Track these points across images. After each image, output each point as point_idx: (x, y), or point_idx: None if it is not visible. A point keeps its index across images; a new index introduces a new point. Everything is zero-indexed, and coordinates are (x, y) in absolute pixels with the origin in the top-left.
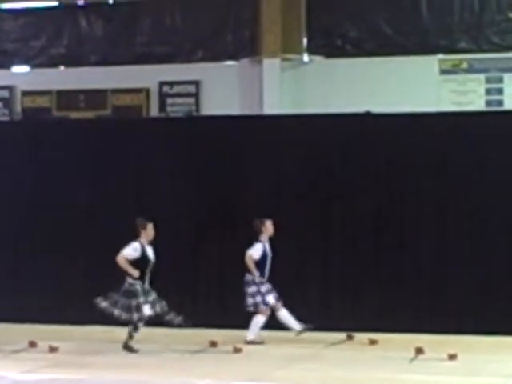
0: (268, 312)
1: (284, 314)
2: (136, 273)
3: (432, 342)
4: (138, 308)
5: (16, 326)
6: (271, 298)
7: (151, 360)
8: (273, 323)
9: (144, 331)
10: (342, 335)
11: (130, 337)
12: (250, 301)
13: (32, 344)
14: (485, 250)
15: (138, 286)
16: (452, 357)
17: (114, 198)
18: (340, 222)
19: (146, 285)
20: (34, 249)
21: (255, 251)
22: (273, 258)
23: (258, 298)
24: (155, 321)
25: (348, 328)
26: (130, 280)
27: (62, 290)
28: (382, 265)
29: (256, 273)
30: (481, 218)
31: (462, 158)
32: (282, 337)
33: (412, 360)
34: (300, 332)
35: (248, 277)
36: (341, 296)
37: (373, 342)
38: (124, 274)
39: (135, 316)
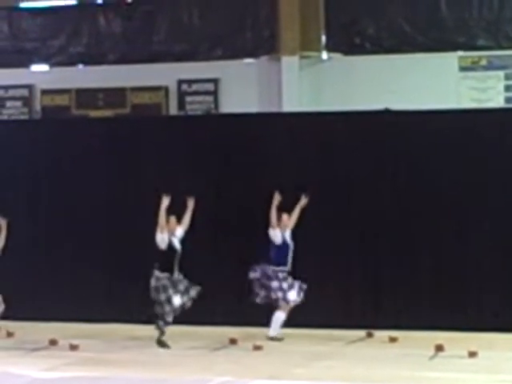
0: (288, 308)
1: (278, 315)
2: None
3: (452, 339)
4: (169, 300)
5: (37, 324)
6: (292, 295)
7: (171, 357)
8: (292, 321)
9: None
10: (362, 333)
11: (162, 332)
12: (272, 295)
13: (53, 342)
14: (505, 248)
15: (165, 280)
16: (472, 354)
17: (133, 196)
18: (359, 219)
19: (175, 275)
20: (55, 248)
21: (275, 235)
22: (294, 253)
23: (280, 294)
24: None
25: (368, 325)
26: (156, 273)
27: (83, 288)
28: (402, 262)
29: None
30: (500, 214)
31: (481, 155)
32: (301, 334)
33: (432, 357)
34: (270, 338)
35: (270, 270)
36: (361, 293)
37: (393, 340)
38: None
39: (167, 309)
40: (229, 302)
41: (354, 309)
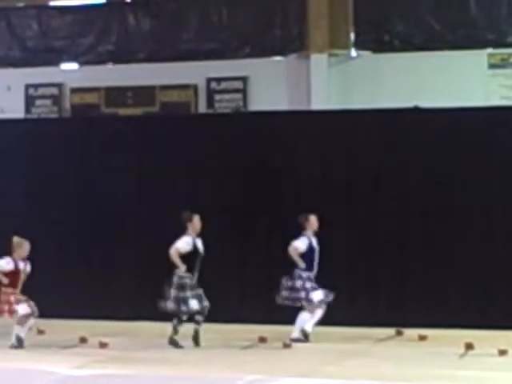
0: (313, 309)
1: (303, 317)
2: (183, 267)
3: (482, 337)
4: (185, 301)
5: (67, 322)
6: (317, 295)
7: (200, 355)
8: (321, 319)
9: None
10: (391, 331)
11: (175, 331)
12: (294, 295)
13: (83, 340)
14: None
15: (187, 279)
16: (502, 352)
17: (162, 195)
18: (387, 217)
19: (195, 278)
20: (85, 246)
21: (300, 243)
22: (321, 253)
23: (302, 294)
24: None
25: (397, 324)
26: (180, 273)
27: (112, 286)
28: (431, 261)
29: (302, 264)
30: None
31: (510, 153)
32: (330, 333)
33: (462, 356)
34: (291, 339)
35: (296, 271)
36: (390, 292)
37: (422, 338)
38: (173, 266)
39: (183, 308)
40: (258, 301)
41: (383, 307)
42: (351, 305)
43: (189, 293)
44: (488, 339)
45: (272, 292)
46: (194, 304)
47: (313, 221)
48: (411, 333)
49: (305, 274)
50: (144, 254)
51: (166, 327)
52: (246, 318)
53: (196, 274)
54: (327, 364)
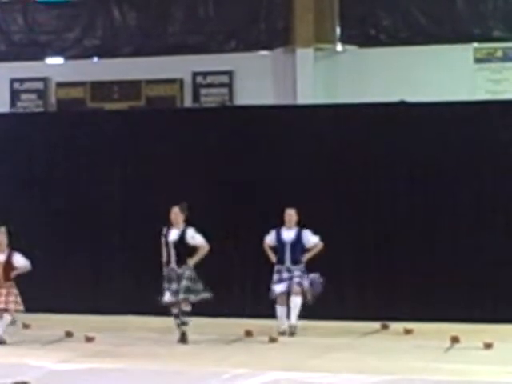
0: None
1: (280, 309)
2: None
3: (467, 331)
4: (162, 293)
5: (52, 316)
6: (278, 288)
7: (186, 349)
8: (307, 313)
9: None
10: (377, 325)
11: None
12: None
13: (68, 334)
14: None
15: (164, 271)
16: (488, 346)
17: (148, 189)
18: (375, 210)
19: (171, 267)
20: (71, 239)
21: (269, 237)
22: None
23: (271, 286)
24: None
25: (383, 317)
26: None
27: (99, 280)
28: (417, 254)
29: (272, 258)
30: None
31: (497, 147)
32: (316, 326)
33: (448, 349)
34: (279, 333)
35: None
36: (376, 285)
37: (408, 332)
38: None
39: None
40: (244, 294)
41: (369, 301)
42: (337, 299)
43: (165, 284)
44: (473, 333)
45: (258, 286)
46: (166, 296)
47: (286, 215)
48: (397, 326)
49: (276, 267)
50: (130, 248)
51: (153, 321)
52: (232, 312)
53: (172, 264)
54: (313, 358)
